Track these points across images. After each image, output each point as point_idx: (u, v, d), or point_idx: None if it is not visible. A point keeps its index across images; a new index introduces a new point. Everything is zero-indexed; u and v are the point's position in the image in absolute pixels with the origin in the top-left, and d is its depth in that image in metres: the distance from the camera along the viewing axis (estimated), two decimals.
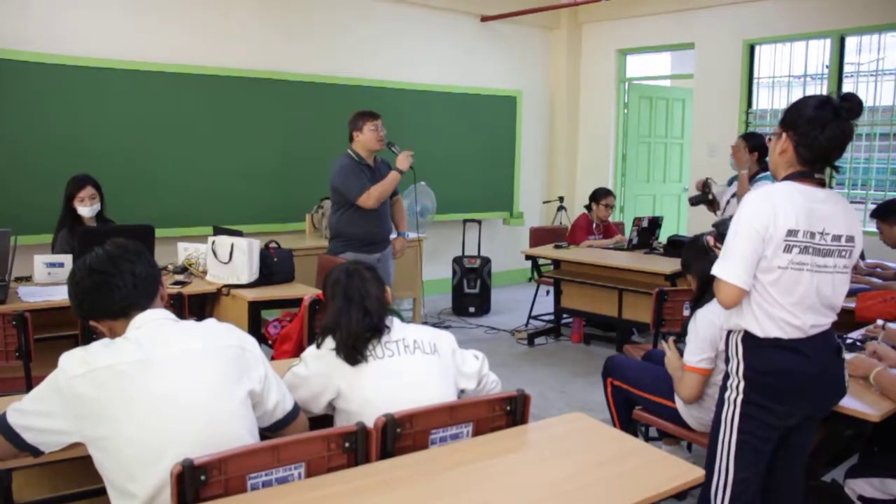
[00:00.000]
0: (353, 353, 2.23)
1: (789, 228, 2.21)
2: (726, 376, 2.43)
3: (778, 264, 2.24)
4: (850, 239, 2.32)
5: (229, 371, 1.91)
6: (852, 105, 2.24)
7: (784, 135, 2.32)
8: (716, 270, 2.31)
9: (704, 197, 5.51)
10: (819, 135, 2.24)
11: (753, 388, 2.33)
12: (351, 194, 4.66)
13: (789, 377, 2.30)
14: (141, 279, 1.94)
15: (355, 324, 2.26)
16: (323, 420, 2.28)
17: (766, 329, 2.29)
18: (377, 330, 2.29)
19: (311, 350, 2.34)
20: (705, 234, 2.72)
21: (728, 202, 5.23)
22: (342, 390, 2.22)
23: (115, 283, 1.90)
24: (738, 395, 2.37)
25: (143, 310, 1.93)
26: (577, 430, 2.20)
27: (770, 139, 2.45)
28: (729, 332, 2.43)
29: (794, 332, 2.28)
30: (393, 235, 5.13)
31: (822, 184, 2.31)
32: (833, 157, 2.31)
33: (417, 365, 2.29)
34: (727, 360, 2.43)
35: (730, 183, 5.39)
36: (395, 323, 2.36)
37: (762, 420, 2.34)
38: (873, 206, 4.78)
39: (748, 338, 2.34)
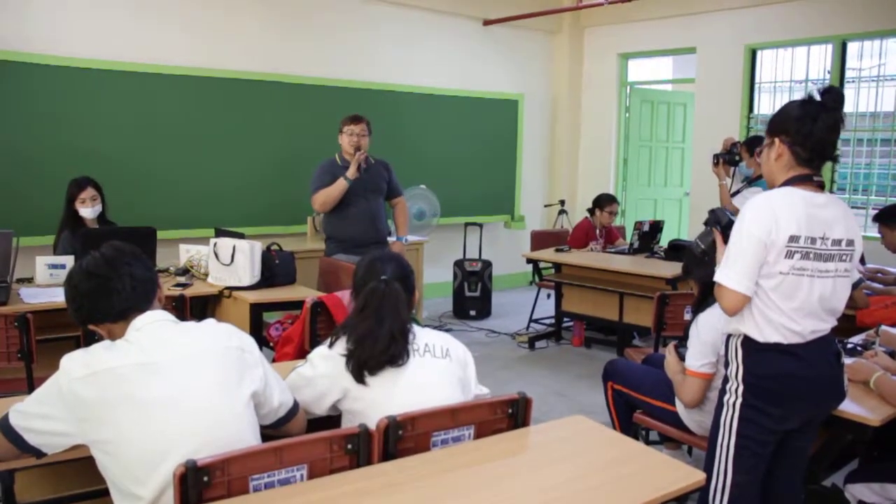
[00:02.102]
0: (361, 372, 2.19)
1: (791, 234, 2.22)
2: (725, 380, 2.44)
3: (780, 270, 2.24)
4: (850, 243, 2.32)
5: (232, 372, 1.91)
6: (834, 96, 2.28)
7: (776, 140, 2.34)
8: (718, 277, 2.31)
9: (732, 157, 5.41)
10: (812, 127, 2.26)
11: (752, 391, 2.34)
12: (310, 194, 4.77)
13: (788, 381, 2.31)
14: (139, 281, 1.94)
15: (379, 350, 2.19)
16: (328, 421, 2.28)
17: (765, 334, 2.29)
18: (394, 362, 2.21)
19: (320, 350, 2.30)
20: (696, 239, 2.72)
21: (736, 193, 5.21)
22: (349, 391, 2.21)
23: (114, 287, 1.90)
24: (737, 398, 2.37)
25: (142, 312, 1.93)
26: (578, 433, 2.20)
27: (760, 152, 2.46)
28: (728, 336, 2.43)
29: (793, 337, 2.29)
30: (392, 239, 5.12)
31: (821, 186, 2.32)
32: (828, 151, 2.32)
33: (427, 367, 2.26)
34: (726, 364, 2.44)
35: (744, 180, 5.35)
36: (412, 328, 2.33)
37: (761, 424, 2.34)
38: (874, 212, 4.78)
39: (748, 342, 2.34)
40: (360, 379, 2.19)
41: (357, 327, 2.24)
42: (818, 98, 2.29)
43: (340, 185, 4.65)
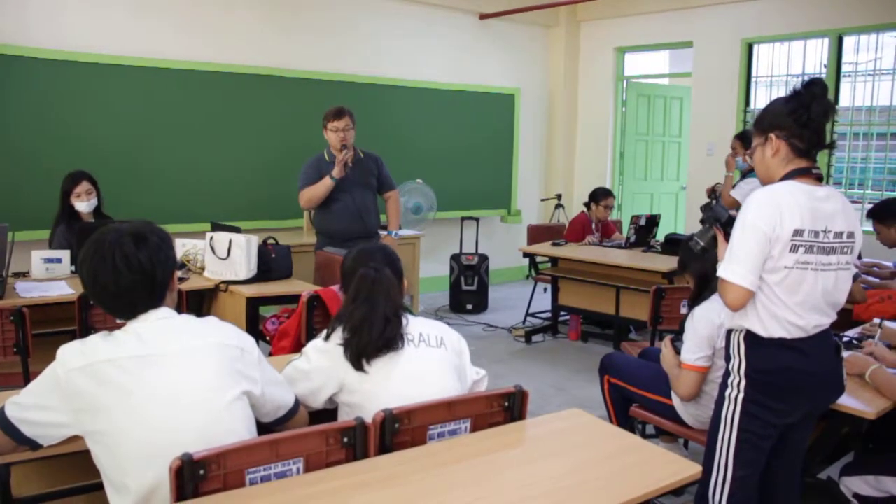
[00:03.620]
0: (359, 360, 2.19)
1: (795, 228, 2.21)
2: (727, 374, 2.43)
3: (784, 264, 2.24)
4: (851, 235, 2.33)
5: (228, 369, 1.90)
6: (820, 85, 2.30)
7: (771, 136, 2.34)
8: (722, 272, 2.29)
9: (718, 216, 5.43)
10: (808, 115, 2.27)
11: (755, 386, 2.34)
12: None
13: (791, 376, 2.31)
14: (151, 282, 1.89)
15: (375, 334, 2.19)
16: (324, 414, 2.28)
17: (769, 329, 2.29)
18: (391, 346, 2.22)
19: (316, 343, 2.29)
20: (694, 237, 2.72)
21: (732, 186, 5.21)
22: (346, 384, 2.20)
23: (126, 287, 1.86)
24: (739, 393, 2.37)
25: (152, 309, 1.91)
26: (574, 426, 2.20)
27: (750, 154, 2.46)
28: (730, 331, 2.43)
29: (797, 332, 2.28)
30: (383, 233, 5.12)
31: (819, 179, 2.32)
32: (824, 137, 2.34)
33: (422, 357, 2.26)
34: (728, 359, 2.43)
35: (742, 175, 5.36)
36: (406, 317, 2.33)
37: (763, 418, 2.34)
38: (870, 206, 4.80)
39: (750, 337, 2.33)
40: (358, 366, 2.19)
41: (352, 316, 2.23)
42: (803, 90, 2.31)
43: (326, 184, 4.67)
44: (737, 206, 4.33)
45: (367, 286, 2.27)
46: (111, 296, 1.87)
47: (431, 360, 2.27)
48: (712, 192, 5.59)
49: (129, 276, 1.85)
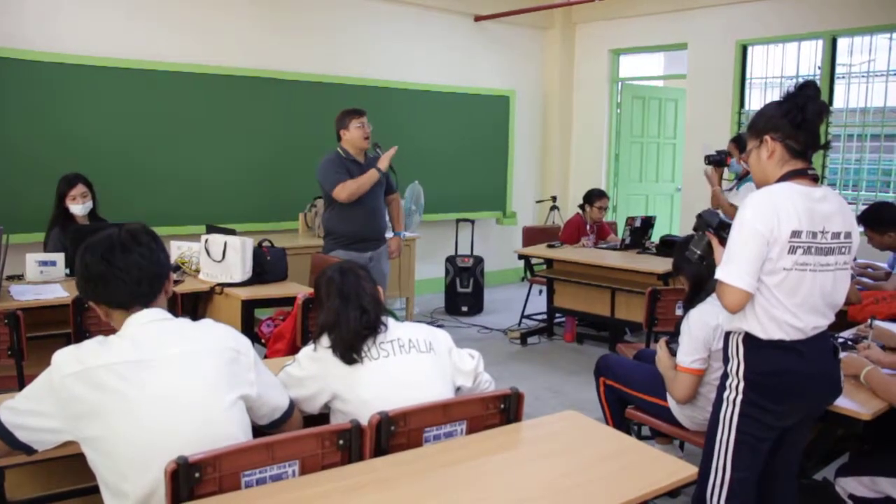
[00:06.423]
0: (349, 352, 2.22)
1: (793, 230, 2.21)
2: (725, 376, 2.43)
3: (783, 266, 2.24)
4: (848, 235, 2.33)
5: (225, 372, 1.90)
6: (811, 87, 2.31)
7: (766, 139, 2.34)
8: (719, 275, 2.29)
9: (722, 159, 5.37)
10: (803, 116, 2.28)
11: (753, 388, 2.33)
12: (326, 187, 4.70)
13: (789, 378, 2.31)
14: (146, 275, 1.92)
15: (353, 322, 2.25)
16: (319, 418, 2.28)
17: (768, 331, 2.28)
18: (374, 328, 2.28)
19: (306, 351, 2.31)
20: (690, 247, 2.72)
21: (728, 190, 5.20)
22: (338, 393, 2.21)
23: (121, 277, 1.89)
24: (737, 395, 2.36)
25: (144, 306, 1.92)
26: (570, 428, 2.20)
27: (745, 159, 2.46)
28: (728, 333, 2.43)
29: (796, 333, 2.28)
30: (390, 234, 5.13)
31: (815, 180, 2.33)
32: (819, 138, 2.34)
33: (413, 364, 2.28)
34: (726, 361, 2.43)
35: (738, 178, 5.35)
36: (389, 322, 2.36)
37: (761, 420, 2.34)
38: (864, 207, 4.79)
39: (749, 339, 2.33)
40: (350, 360, 2.21)
41: (328, 315, 2.30)
42: (797, 92, 2.32)
43: (373, 177, 4.66)
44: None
45: (334, 285, 2.35)
46: (104, 284, 1.88)
47: (422, 367, 2.29)
48: (721, 151, 5.48)
49: (123, 263, 1.88)
